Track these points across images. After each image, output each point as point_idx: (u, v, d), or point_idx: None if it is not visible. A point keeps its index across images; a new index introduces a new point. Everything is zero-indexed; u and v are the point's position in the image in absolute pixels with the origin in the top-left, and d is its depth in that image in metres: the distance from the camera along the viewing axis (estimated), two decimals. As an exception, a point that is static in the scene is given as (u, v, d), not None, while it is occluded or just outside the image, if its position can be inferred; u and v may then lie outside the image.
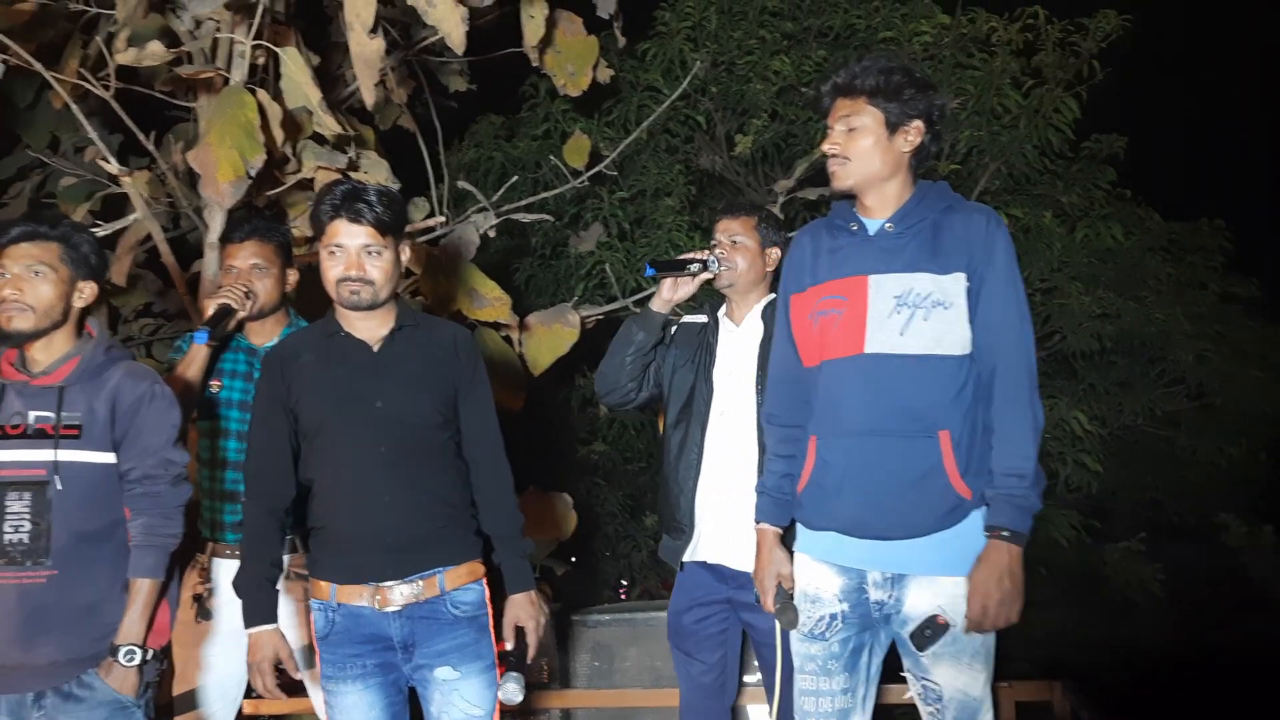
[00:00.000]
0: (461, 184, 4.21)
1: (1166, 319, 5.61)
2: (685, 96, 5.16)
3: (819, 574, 2.29)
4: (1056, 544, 5.57)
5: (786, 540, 2.44)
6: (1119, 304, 5.52)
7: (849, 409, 2.20)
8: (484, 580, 2.46)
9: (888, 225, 2.25)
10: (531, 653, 2.46)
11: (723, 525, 2.82)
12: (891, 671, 2.38)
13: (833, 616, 2.26)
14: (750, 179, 5.97)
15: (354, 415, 2.36)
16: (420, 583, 2.36)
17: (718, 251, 2.86)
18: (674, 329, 3.01)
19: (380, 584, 2.34)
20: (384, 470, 2.35)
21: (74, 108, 3.22)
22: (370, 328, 2.43)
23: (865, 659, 2.30)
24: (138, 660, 2.26)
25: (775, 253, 2.93)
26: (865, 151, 2.24)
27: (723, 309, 2.99)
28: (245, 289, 2.84)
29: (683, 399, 2.91)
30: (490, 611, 2.46)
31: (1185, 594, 6.56)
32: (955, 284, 2.16)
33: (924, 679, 2.21)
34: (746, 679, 2.86)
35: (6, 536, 2.22)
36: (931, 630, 2.15)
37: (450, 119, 4.94)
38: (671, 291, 2.87)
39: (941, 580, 2.16)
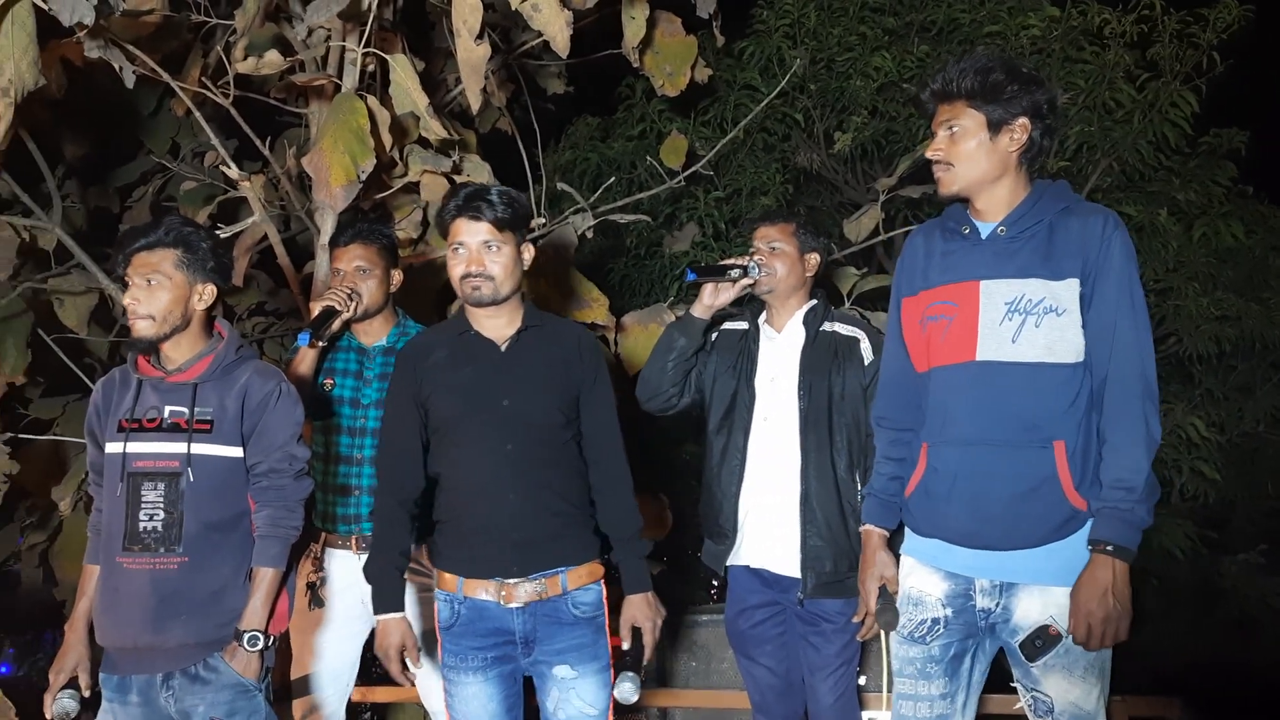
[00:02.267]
0: (560, 185, 4.25)
1: (1289, 321, 5.37)
2: (783, 94, 5.13)
3: (924, 578, 2.26)
4: (1171, 555, 5.38)
5: (892, 543, 2.42)
6: (1239, 305, 5.31)
7: (959, 417, 2.17)
8: (602, 580, 2.50)
9: (1000, 229, 2.19)
10: (648, 654, 2.49)
11: (766, 530, 2.83)
12: (999, 681, 2.34)
13: (934, 621, 2.23)
14: (849, 177, 5.90)
15: (481, 413, 2.44)
16: (544, 581, 2.41)
17: (757, 258, 2.84)
18: (714, 335, 3.01)
19: (506, 580, 2.41)
20: (510, 468, 2.41)
21: (196, 114, 3.34)
22: (498, 326, 2.50)
23: (967, 665, 2.25)
24: (260, 645, 2.35)
25: (814, 258, 2.92)
26: (969, 155, 2.19)
27: (762, 316, 2.98)
28: (349, 291, 2.92)
29: (725, 405, 2.92)
30: (606, 611, 2.50)
31: (1309, 610, 6.27)
32: (1068, 290, 2.10)
33: (1035, 690, 2.15)
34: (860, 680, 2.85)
35: (142, 524, 2.34)
36: (1042, 641, 2.09)
37: (548, 121, 4.99)
38: (713, 297, 2.86)
39: (1054, 590, 2.11)
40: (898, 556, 2.39)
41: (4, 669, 6.86)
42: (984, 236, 2.22)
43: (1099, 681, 2.12)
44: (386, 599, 2.46)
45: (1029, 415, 2.10)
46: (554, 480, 2.47)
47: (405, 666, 2.46)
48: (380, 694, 3.88)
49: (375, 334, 3.07)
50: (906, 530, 2.35)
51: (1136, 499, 2.03)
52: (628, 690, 2.41)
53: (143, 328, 2.38)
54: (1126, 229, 2.17)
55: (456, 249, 2.46)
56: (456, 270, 2.46)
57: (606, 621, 2.50)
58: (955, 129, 2.20)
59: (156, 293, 2.38)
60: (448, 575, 2.47)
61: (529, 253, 2.54)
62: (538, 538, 2.42)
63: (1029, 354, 2.10)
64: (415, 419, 2.51)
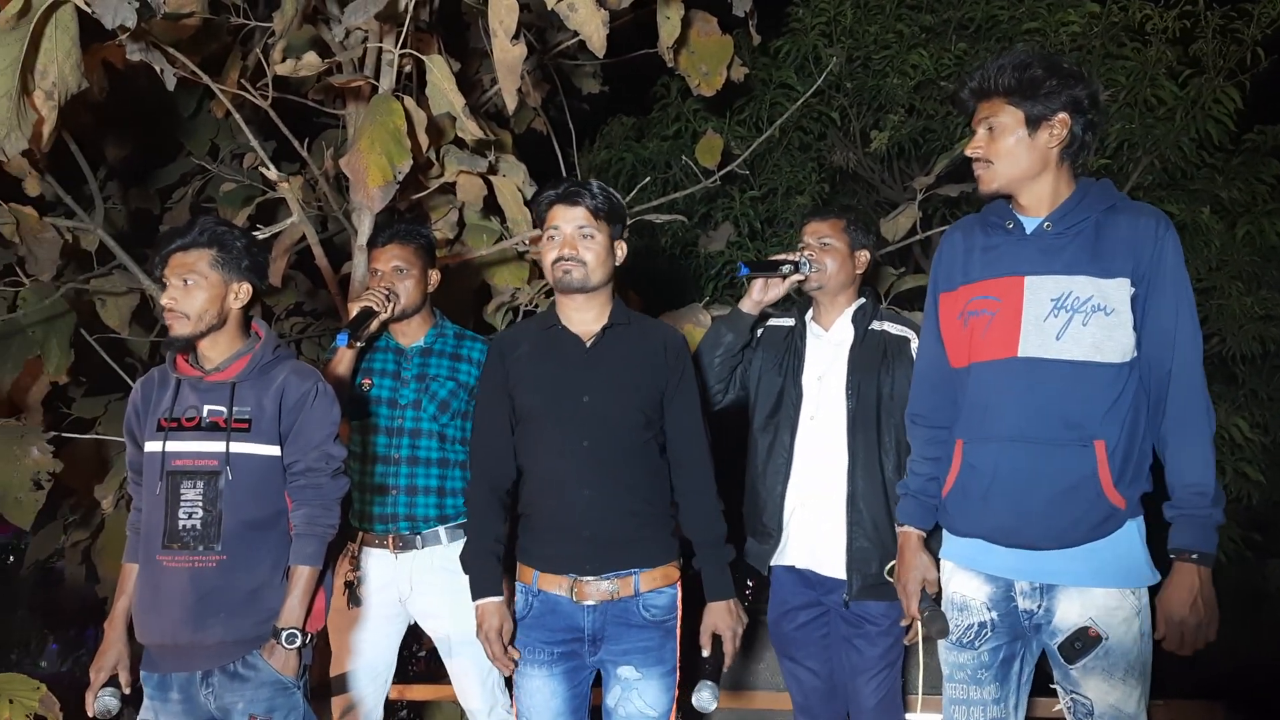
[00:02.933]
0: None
1: (1337, 321, 5.26)
2: (819, 93, 5.10)
3: (966, 581, 2.24)
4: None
5: (929, 544, 2.39)
6: (1285, 305, 5.21)
7: (999, 414, 2.14)
8: (678, 584, 2.49)
9: (1046, 224, 2.17)
10: (728, 662, 2.47)
11: (811, 530, 2.80)
12: (1039, 683, 2.31)
13: (981, 625, 2.21)
14: (885, 176, 5.85)
15: (562, 408, 2.45)
16: (616, 581, 2.42)
17: (807, 254, 2.83)
18: (760, 331, 2.99)
19: (579, 577, 2.42)
20: (586, 465, 2.42)
21: (235, 116, 3.38)
22: (585, 322, 2.52)
23: (1017, 668, 2.24)
24: (298, 643, 2.37)
25: (864, 255, 2.89)
26: (1008, 152, 2.17)
27: (810, 313, 2.95)
28: (387, 291, 2.93)
29: (771, 402, 2.89)
30: (680, 616, 2.48)
31: (1357, 615, 6.15)
32: (1119, 289, 2.08)
33: (1074, 692, 2.14)
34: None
35: (181, 523, 2.36)
36: (1082, 643, 2.08)
37: (583, 121, 5.00)
38: (762, 293, 2.86)
39: (1093, 591, 2.09)
40: (935, 559, 2.37)
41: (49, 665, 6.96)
42: (1029, 232, 2.20)
43: (1139, 684, 2.10)
44: (483, 584, 2.49)
45: (1071, 413, 2.08)
46: (631, 480, 2.46)
47: (506, 649, 2.48)
48: (417, 692, 3.90)
49: (413, 335, 3.09)
50: (944, 533, 2.33)
51: (1211, 502, 2.04)
52: (706, 699, 2.41)
53: (179, 327, 2.40)
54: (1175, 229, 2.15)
55: (551, 235, 2.49)
56: (549, 255, 2.49)
57: (679, 626, 2.49)
58: (994, 126, 2.18)
59: (193, 292, 2.41)
60: (526, 568, 2.50)
61: (622, 250, 2.55)
62: (612, 537, 2.43)
63: (1074, 352, 2.08)
64: (505, 409, 2.54)
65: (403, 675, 3.27)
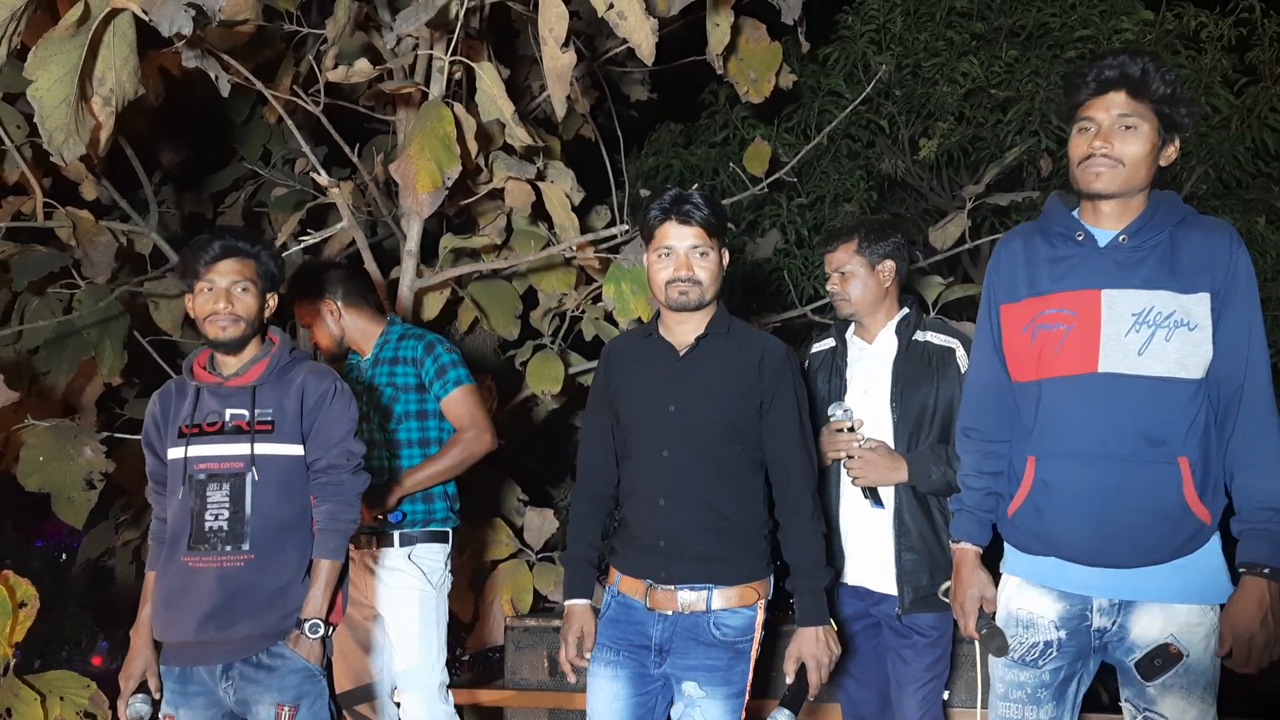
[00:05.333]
0: (643, 192, 4.25)
1: (1397, 334, 5.13)
2: (868, 100, 5.06)
3: (1035, 598, 2.18)
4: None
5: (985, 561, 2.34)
6: (1343, 317, 5.10)
7: (1078, 430, 2.08)
8: (759, 606, 2.42)
9: (1121, 237, 2.10)
10: (813, 692, 2.38)
11: (861, 546, 2.76)
12: (1091, 698, 2.27)
13: (1047, 644, 2.15)
14: (934, 184, 5.80)
15: (651, 417, 2.44)
16: (690, 594, 2.38)
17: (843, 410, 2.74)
18: (806, 363, 2.94)
19: (654, 584, 2.40)
20: (666, 475, 2.41)
21: (287, 122, 3.42)
22: (683, 332, 2.48)
23: (1074, 689, 2.19)
24: (321, 633, 2.42)
25: (888, 265, 2.81)
26: (1139, 159, 2.06)
27: (850, 328, 2.91)
28: None
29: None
30: (757, 638, 2.41)
31: None
32: (1200, 304, 2.03)
33: (1148, 710, 2.08)
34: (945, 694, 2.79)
35: (208, 524, 2.40)
36: (1162, 660, 2.03)
37: (631, 127, 5.00)
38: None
39: (1176, 608, 2.05)
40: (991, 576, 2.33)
41: (99, 662, 7.07)
42: (1102, 244, 2.12)
43: (1214, 702, 2.06)
44: (573, 587, 2.53)
45: (1155, 430, 2.03)
46: (714, 495, 2.40)
47: (579, 654, 2.50)
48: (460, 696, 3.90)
49: (365, 346, 3.20)
50: (1009, 549, 2.27)
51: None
52: None
53: (234, 330, 2.45)
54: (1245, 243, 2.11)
55: (664, 254, 2.44)
56: (662, 275, 2.43)
57: (754, 649, 2.41)
58: (1134, 125, 2.06)
59: (246, 298, 2.47)
60: (613, 569, 2.52)
61: (726, 257, 2.52)
62: (685, 549, 2.39)
63: (1157, 368, 2.03)
64: (607, 418, 2.55)
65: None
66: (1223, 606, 2.06)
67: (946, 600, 2.51)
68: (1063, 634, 2.14)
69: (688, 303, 2.42)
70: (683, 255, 2.42)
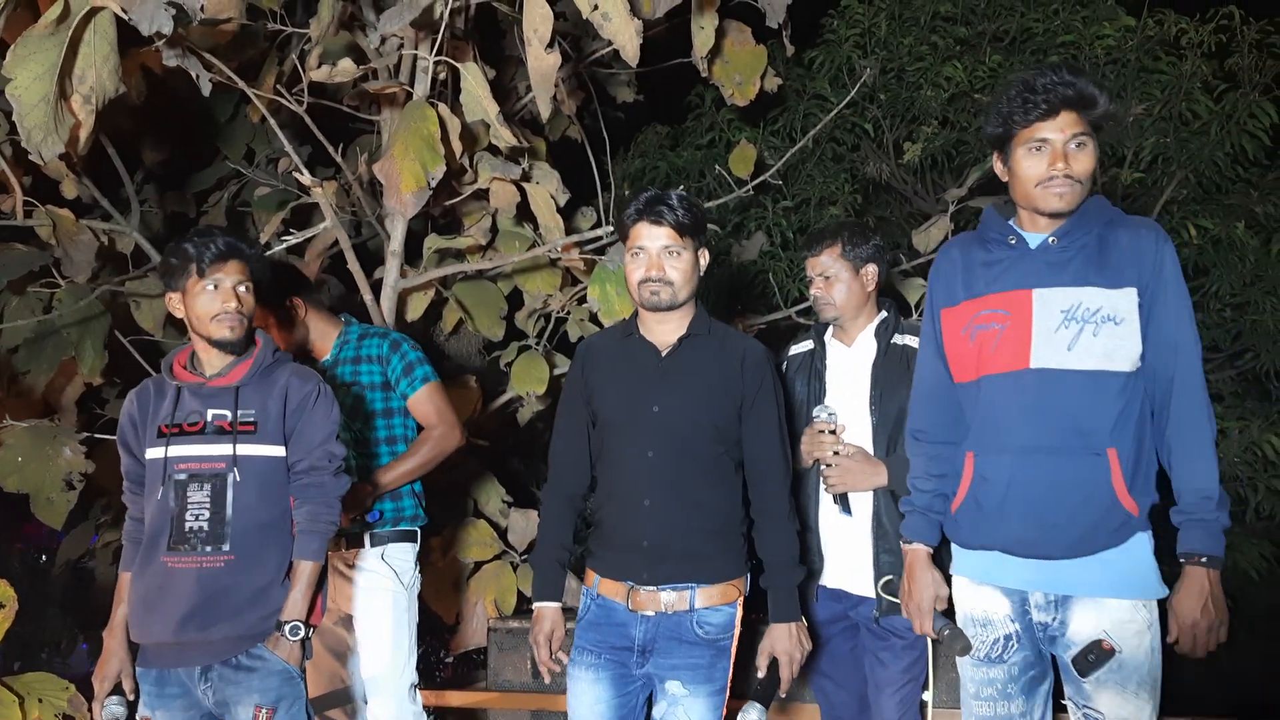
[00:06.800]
0: (628, 193, 4.25)
1: (1372, 338, 5.18)
2: (853, 104, 5.09)
3: (985, 596, 2.24)
4: (1246, 575, 5.22)
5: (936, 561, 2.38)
6: (1319, 321, 5.14)
7: (1012, 425, 2.15)
8: (738, 603, 2.44)
9: (1051, 239, 2.18)
10: (784, 687, 2.43)
11: (844, 549, 2.77)
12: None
13: (1007, 638, 2.21)
14: (918, 187, 5.83)
15: (631, 418, 2.45)
16: (673, 594, 2.39)
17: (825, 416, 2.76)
18: (784, 365, 2.95)
19: (636, 586, 2.41)
20: (648, 476, 2.41)
21: (271, 121, 3.40)
22: (664, 332, 2.50)
23: (1044, 689, 2.25)
24: (301, 635, 2.41)
25: (871, 270, 2.83)
26: (1089, 174, 2.15)
27: (829, 331, 2.92)
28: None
29: (799, 428, 2.86)
30: (737, 635, 2.44)
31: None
32: (1126, 299, 2.10)
33: (1086, 707, 2.13)
34: (924, 696, 2.79)
35: (188, 524, 2.39)
36: (1095, 655, 2.08)
37: (617, 129, 5.00)
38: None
39: (1107, 603, 2.10)
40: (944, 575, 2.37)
41: (78, 664, 7.01)
42: (1033, 246, 2.20)
43: (1151, 699, 2.10)
44: (544, 588, 2.53)
45: (1085, 422, 2.10)
46: (696, 494, 2.42)
47: (553, 657, 2.51)
48: (452, 698, 3.89)
49: (322, 349, 3.17)
50: (955, 549, 2.33)
51: (1214, 504, 2.05)
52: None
53: (239, 329, 2.46)
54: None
55: (636, 253, 2.46)
56: (635, 275, 2.46)
57: (734, 646, 2.44)
58: (1084, 144, 2.13)
59: (249, 297, 2.49)
60: (590, 571, 2.51)
61: (705, 258, 2.53)
62: (670, 549, 2.40)
63: (1086, 362, 2.10)
64: (583, 417, 2.55)
65: (429, 681, 3.26)
66: (1161, 603, 2.13)
67: (886, 595, 2.60)
68: (1018, 627, 2.21)
69: (659, 303, 2.44)
70: (654, 255, 2.43)
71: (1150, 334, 2.11)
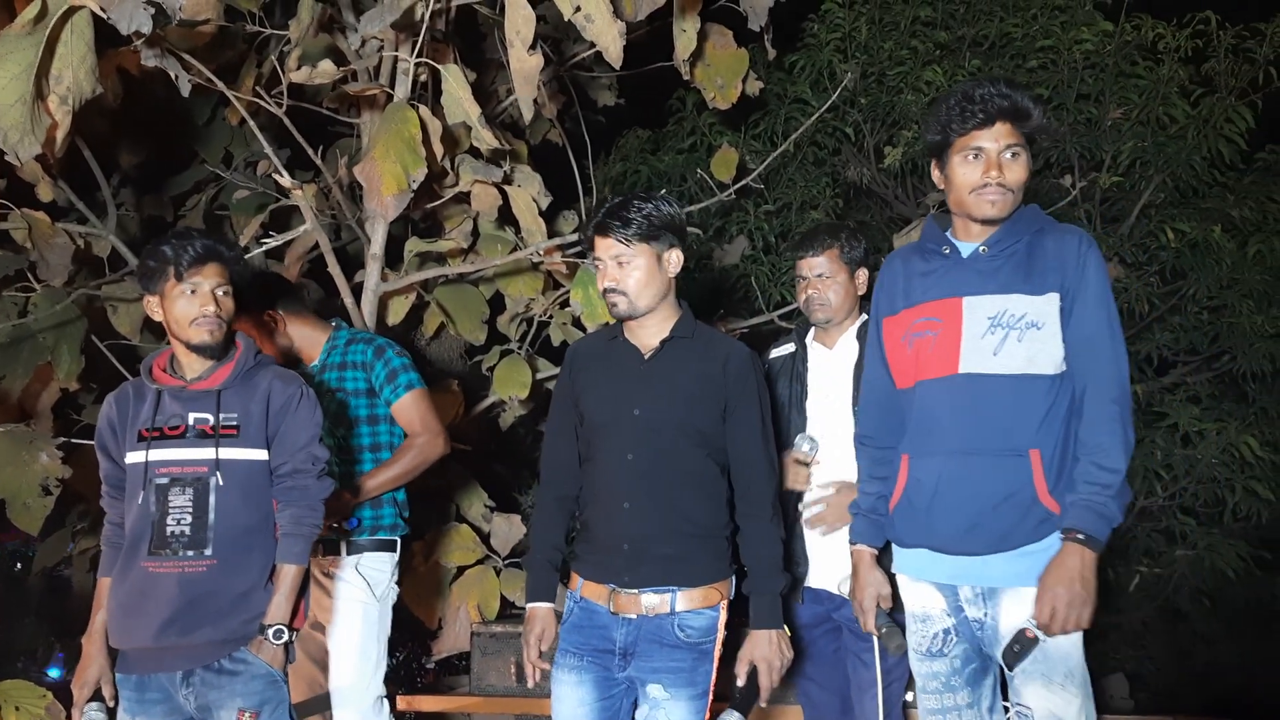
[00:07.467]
0: (610, 197, 4.24)
1: (1349, 341, 5.22)
2: (834, 108, 5.09)
3: (922, 593, 2.31)
4: (1223, 575, 5.26)
5: (882, 561, 2.43)
6: (1295, 323, 5.18)
7: (943, 428, 2.22)
8: (721, 606, 2.43)
9: (982, 249, 2.24)
10: (763, 696, 2.41)
11: (827, 551, 2.80)
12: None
13: (945, 632, 2.27)
14: (899, 191, 5.84)
15: (614, 420, 2.45)
16: (654, 597, 2.38)
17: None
18: (765, 366, 2.96)
19: (617, 588, 2.40)
20: (629, 478, 2.41)
21: (250, 123, 3.37)
22: (647, 335, 2.50)
23: (990, 682, 2.30)
24: (285, 639, 2.40)
25: (864, 274, 2.88)
26: (1021, 184, 2.23)
27: (810, 333, 2.93)
28: None
29: (781, 431, 2.87)
30: (720, 639, 2.42)
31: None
32: (1049, 304, 2.16)
33: (1018, 705, 2.17)
34: (907, 696, 2.81)
35: (169, 529, 2.37)
36: (1020, 645, 2.12)
37: (598, 133, 5.00)
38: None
39: (1028, 592, 2.13)
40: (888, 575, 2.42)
41: (56, 672, 6.93)
42: (965, 256, 2.28)
43: (1079, 695, 2.13)
44: (536, 589, 2.53)
45: (1009, 424, 2.16)
46: (678, 497, 2.41)
47: (540, 656, 2.50)
48: (426, 703, 3.87)
49: (310, 354, 3.16)
50: (894, 548, 2.38)
51: (1110, 494, 2.09)
52: None
53: (219, 333, 2.44)
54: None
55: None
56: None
57: (717, 650, 2.42)
58: (1017, 154, 2.21)
59: (228, 301, 2.47)
60: (574, 573, 2.52)
61: (674, 260, 2.49)
62: (650, 552, 2.39)
63: (1010, 366, 2.16)
64: (571, 419, 2.55)
65: (411, 686, 3.24)
66: None
67: (839, 593, 2.67)
68: (954, 621, 2.26)
69: (618, 313, 2.46)
70: (608, 265, 2.45)
71: (1069, 336, 2.17)
